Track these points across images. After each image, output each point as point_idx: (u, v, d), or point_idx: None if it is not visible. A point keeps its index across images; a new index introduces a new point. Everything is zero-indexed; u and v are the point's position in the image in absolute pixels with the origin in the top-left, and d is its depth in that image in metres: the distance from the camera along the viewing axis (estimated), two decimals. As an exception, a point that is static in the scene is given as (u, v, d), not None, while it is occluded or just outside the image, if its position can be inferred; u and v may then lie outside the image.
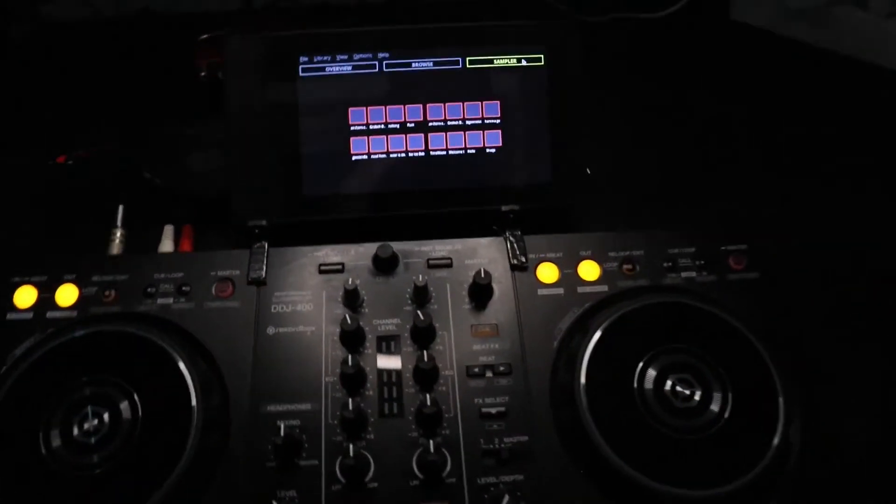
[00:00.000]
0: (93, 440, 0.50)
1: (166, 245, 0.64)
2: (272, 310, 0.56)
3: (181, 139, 0.69)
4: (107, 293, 0.57)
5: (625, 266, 0.58)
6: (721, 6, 0.87)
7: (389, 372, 0.53)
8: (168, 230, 0.65)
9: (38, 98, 0.75)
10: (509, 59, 0.60)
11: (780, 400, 0.50)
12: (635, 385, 0.52)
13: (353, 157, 0.60)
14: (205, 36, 0.73)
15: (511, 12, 0.84)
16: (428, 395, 0.51)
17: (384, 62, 0.60)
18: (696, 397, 0.51)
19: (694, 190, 0.71)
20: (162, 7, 0.82)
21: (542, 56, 0.61)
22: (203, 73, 0.71)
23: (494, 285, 0.56)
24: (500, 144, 0.60)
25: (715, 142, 0.75)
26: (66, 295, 0.57)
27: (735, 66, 0.83)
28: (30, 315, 0.56)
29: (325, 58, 0.59)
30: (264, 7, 0.81)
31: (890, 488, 0.53)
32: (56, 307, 0.56)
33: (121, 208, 0.65)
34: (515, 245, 0.58)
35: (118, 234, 0.64)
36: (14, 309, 0.56)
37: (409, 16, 0.84)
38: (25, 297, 0.56)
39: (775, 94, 0.81)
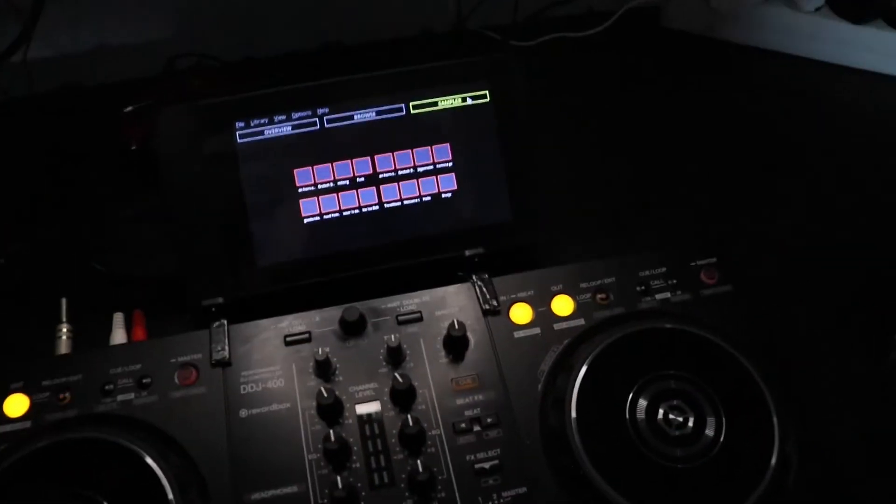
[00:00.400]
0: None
1: (118, 335, 0.61)
2: (241, 391, 0.53)
3: (119, 219, 0.66)
4: (61, 396, 0.53)
5: (598, 296, 0.57)
6: (651, 17, 0.87)
7: (375, 440, 0.51)
8: (118, 319, 0.62)
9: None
10: (454, 98, 0.59)
11: (774, 417, 0.50)
12: (627, 418, 0.50)
13: (305, 220, 0.58)
14: (130, 107, 0.70)
15: (440, 46, 0.84)
16: (418, 461, 0.49)
17: (325, 118, 0.58)
18: (690, 423, 0.50)
19: (655, 204, 0.71)
20: (81, 80, 0.79)
21: (486, 92, 0.60)
22: (133, 147, 0.68)
23: (469, 334, 0.55)
24: (455, 188, 0.59)
25: (669, 153, 0.75)
26: (16, 405, 0.53)
27: (674, 73, 0.83)
28: None
29: (262, 120, 0.57)
30: (189, 69, 0.78)
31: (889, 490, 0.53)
32: (6, 419, 0.52)
33: (64, 302, 0.61)
34: (484, 289, 0.57)
35: (64, 330, 0.60)
36: None
37: (341, 62, 0.82)
38: None
39: (717, 96, 0.82)
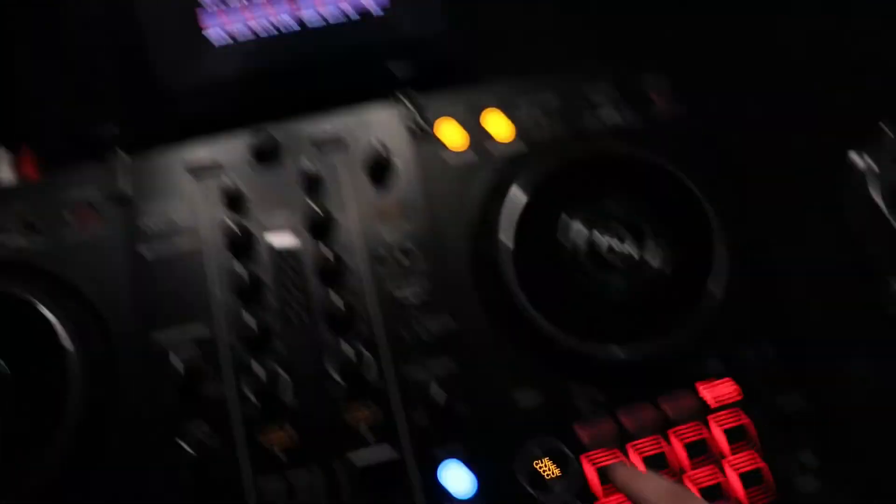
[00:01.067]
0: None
1: (4, 173, 0.55)
2: (143, 227, 0.48)
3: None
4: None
5: (538, 116, 0.52)
6: None
7: (291, 276, 0.47)
8: (4, 157, 0.55)
9: None
10: None
11: (716, 246, 0.47)
12: (566, 245, 0.47)
13: (214, 42, 0.51)
14: None
15: None
16: (337, 294, 0.46)
17: None
18: (631, 251, 0.47)
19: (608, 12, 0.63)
20: None
21: None
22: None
23: (394, 158, 0.50)
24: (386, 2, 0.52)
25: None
26: None
27: None
28: None
29: None
30: None
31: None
32: None
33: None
34: (411, 105, 0.51)
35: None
36: None
37: None
38: None
39: None
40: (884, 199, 0.53)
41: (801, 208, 0.54)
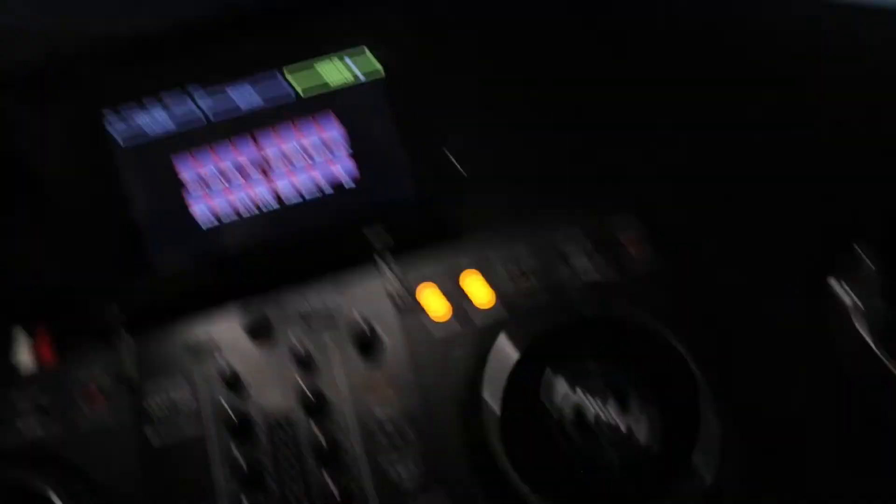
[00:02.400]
0: None
1: (22, 355, 0.58)
2: (150, 409, 0.51)
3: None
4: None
5: (518, 278, 0.54)
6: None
7: (289, 459, 0.50)
8: (20, 335, 0.59)
9: None
10: (338, 72, 0.53)
11: (702, 405, 0.49)
12: (554, 419, 0.49)
13: (202, 225, 0.54)
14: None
15: None
16: (332, 476, 0.49)
17: (211, 113, 0.52)
18: (620, 424, 0.49)
19: (583, 170, 0.65)
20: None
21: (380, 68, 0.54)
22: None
23: (381, 332, 0.53)
24: (358, 175, 0.55)
25: (598, 104, 0.68)
26: None
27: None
28: None
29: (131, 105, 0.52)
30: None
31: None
32: None
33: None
34: (390, 273, 0.54)
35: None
36: None
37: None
38: None
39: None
40: (872, 335, 0.54)
41: (789, 354, 0.55)
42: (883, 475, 0.52)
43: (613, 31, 0.68)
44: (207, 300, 0.55)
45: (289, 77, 0.53)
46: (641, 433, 0.48)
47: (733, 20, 0.63)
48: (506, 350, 0.50)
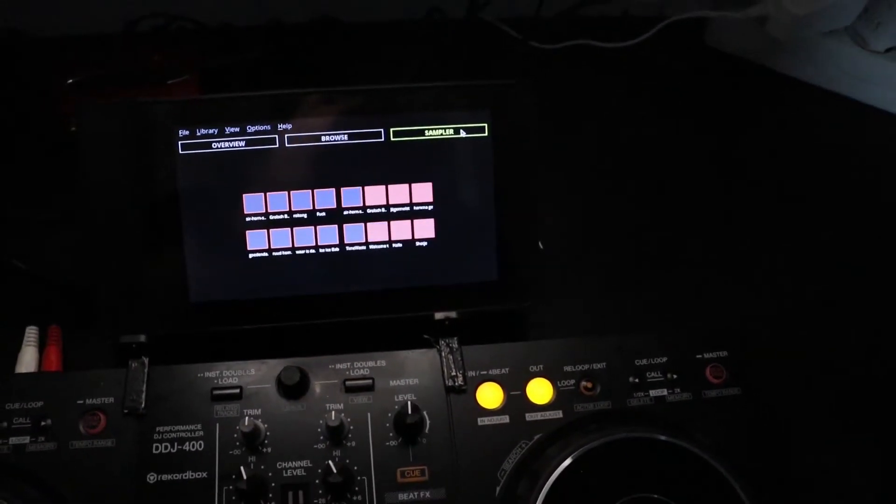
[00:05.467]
0: None
1: (28, 354, 0.55)
2: (153, 450, 0.48)
3: (40, 221, 0.60)
4: (-58, 432, 0.48)
5: (583, 383, 0.51)
6: (695, 33, 0.79)
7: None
8: (31, 334, 0.56)
9: None
10: (444, 129, 0.52)
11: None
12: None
13: (251, 255, 0.51)
14: (73, 79, 0.62)
15: (448, 35, 0.76)
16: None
17: (286, 135, 0.51)
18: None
19: (668, 265, 0.64)
20: (21, 25, 0.71)
21: (485, 125, 0.52)
22: (73, 129, 0.60)
23: (426, 412, 0.49)
24: (434, 236, 0.52)
25: (695, 203, 0.68)
26: None
27: (713, 104, 0.76)
28: None
29: (211, 130, 0.50)
30: (153, 31, 0.71)
31: None
32: None
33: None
34: (451, 360, 0.51)
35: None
36: None
37: (334, 40, 0.74)
38: None
39: (761, 138, 0.74)
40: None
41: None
42: None
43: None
44: (241, 341, 0.52)
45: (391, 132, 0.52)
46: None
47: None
48: (552, 461, 0.47)
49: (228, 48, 0.69)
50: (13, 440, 0.48)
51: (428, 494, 0.47)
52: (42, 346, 0.57)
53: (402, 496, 0.47)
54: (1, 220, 0.61)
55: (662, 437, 0.48)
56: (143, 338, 0.51)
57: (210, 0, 0.73)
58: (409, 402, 0.48)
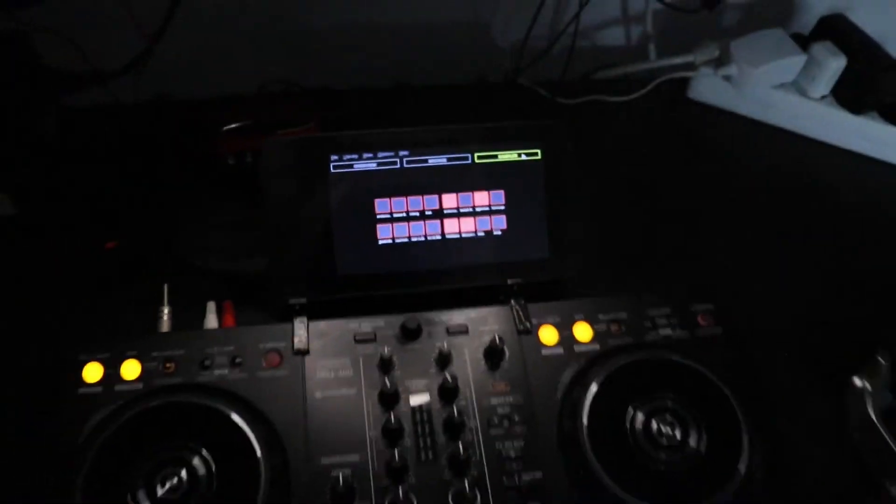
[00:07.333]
0: (176, 497, 0.62)
1: (211, 320, 0.77)
2: (318, 376, 0.70)
3: (214, 224, 0.83)
4: (167, 366, 0.69)
5: (612, 327, 0.74)
6: (680, 89, 1.06)
7: (424, 425, 0.67)
8: (211, 306, 0.78)
9: (72, 185, 0.88)
10: (511, 154, 0.76)
11: (745, 436, 0.67)
12: (627, 427, 0.67)
13: (380, 242, 0.75)
14: (229, 126, 0.87)
15: (493, 96, 1.01)
16: (458, 444, 0.66)
17: (404, 159, 0.75)
18: (677, 435, 0.67)
19: (669, 255, 0.89)
20: (179, 93, 0.96)
21: (538, 151, 0.77)
22: (231, 162, 0.85)
23: (505, 348, 0.71)
24: (506, 227, 0.76)
25: (686, 211, 0.93)
26: (131, 369, 0.68)
27: (695, 141, 1.02)
28: (99, 389, 0.67)
29: (353, 156, 0.74)
30: (281, 92, 0.95)
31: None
32: (122, 381, 0.68)
33: (166, 287, 0.78)
34: (521, 313, 0.74)
35: (165, 312, 0.77)
36: (84, 384, 0.67)
37: (406, 100, 1.00)
38: (93, 372, 0.68)
39: (732, 166, 1.00)
40: (876, 416, 0.72)
41: (814, 414, 0.74)
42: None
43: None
44: (375, 305, 0.74)
45: (475, 156, 0.77)
46: (694, 444, 0.66)
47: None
48: (597, 378, 0.69)
49: (333, 104, 0.94)
50: (216, 372, 0.69)
51: (511, 399, 0.69)
52: (220, 317, 0.79)
53: (494, 400, 0.69)
54: (183, 229, 0.84)
55: (672, 358, 0.71)
56: (304, 300, 0.74)
57: (314, 69, 0.98)
58: (496, 336, 0.71)
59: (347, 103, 0.95)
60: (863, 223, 0.94)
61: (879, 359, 0.76)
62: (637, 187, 0.95)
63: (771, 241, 0.91)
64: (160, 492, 0.62)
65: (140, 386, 0.68)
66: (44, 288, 0.81)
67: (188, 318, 0.78)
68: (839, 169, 1.01)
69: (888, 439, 0.71)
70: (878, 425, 0.72)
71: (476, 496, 0.64)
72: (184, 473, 0.63)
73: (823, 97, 1.01)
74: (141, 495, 0.61)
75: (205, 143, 0.87)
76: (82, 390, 0.67)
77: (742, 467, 0.65)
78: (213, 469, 0.63)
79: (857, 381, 0.75)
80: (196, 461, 0.63)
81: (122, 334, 0.72)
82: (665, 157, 0.99)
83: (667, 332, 0.74)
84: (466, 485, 0.64)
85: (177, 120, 0.93)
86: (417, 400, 0.69)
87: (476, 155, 0.76)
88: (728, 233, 0.92)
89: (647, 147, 1.00)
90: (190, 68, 0.94)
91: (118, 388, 0.68)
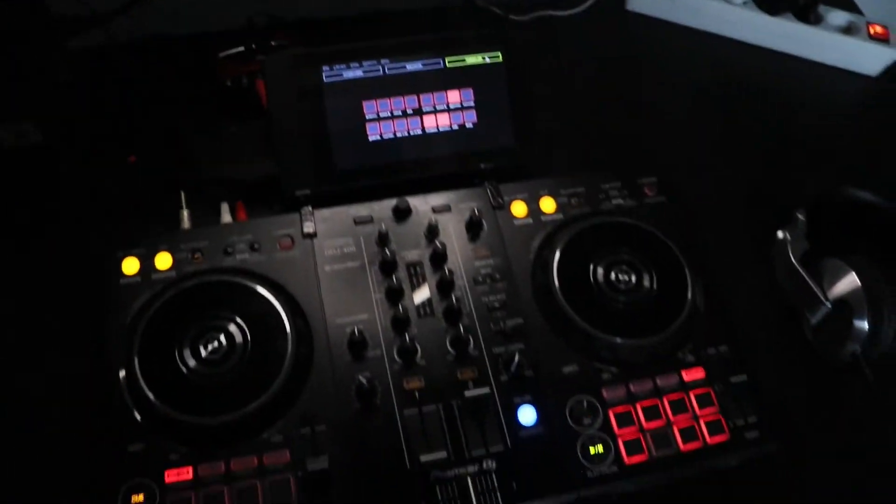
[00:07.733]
0: (218, 357, 0.74)
1: (226, 218, 0.89)
2: (325, 254, 0.82)
3: (222, 136, 0.94)
4: (195, 256, 0.80)
5: (573, 199, 0.87)
6: (619, 2, 1.19)
7: (419, 285, 0.80)
8: (225, 207, 0.89)
9: (92, 111, 0.99)
10: (477, 57, 0.89)
11: (688, 274, 0.81)
12: (591, 278, 0.81)
13: (370, 139, 0.87)
14: (226, 52, 0.97)
15: (454, 18, 1.13)
16: (452, 298, 0.79)
17: (386, 66, 0.87)
18: (633, 280, 0.81)
19: (617, 139, 1.03)
20: (171, 31, 1.05)
21: (499, 54, 0.89)
22: (228, 84, 0.95)
23: (483, 221, 0.84)
24: (476, 121, 0.89)
25: (628, 105, 1.07)
26: (164, 260, 0.79)
27: (634, 47, 1.15)
28: (138, 279, 0.78)
29: (342, 66, 0.86)
30: (266, 25, 1.06)
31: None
32: (157, 271, 0.79)
33: (183, 193, 0.89)
34: (494, 191, 0.86)
35: (185, 214, 0.88)
36: (124, 276, 0.78)
37: (385, 24, 1.10)
38: (131, 266, 0.79)
39: (668, 67, 1.13)
40: (796, 259, 0.87)
41: (746, 261, 0.89)
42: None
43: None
44: (369, 193, 0.86)
45: (446, 61, 0.89)
46: (648, 285, 0.80)
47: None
48: (562, 239, 0.83)
49: (312, 32, 1.05)
50: (239, 257, 0.80)
51: (491, 261, 0.82)
52: (233, 215, 0.90)
53: (477, 263, 0.82)
54: (194, 141, 0.95)
55: (624, 220, 0.85)
56: (308, 191, 0.86)
57: (292, 3, 1.08)
58: (475, 210, 0.84)
59: (325, 31, 1.05)
60: (781, 108, 1.09)
61: (798, 215, 0.90)
62: (588, 87, 1.09)
63: (706, 125, 1.05)
64: (204, 353, 0.74)
65: (174, 274, 0.79)
66: (76, 202, 0.92)
67: (204, 219, 0.89)
68: (761, 65, 1.15)
69: (806, 277, 0.85)
70: (798, 267, 0.86)
71: (469, 339, 0.77)
72: (222, 337, 0.75)
73: (745, 2, 1.14)
74: (187, 355, 0.73)
75: (204, 70, 0.97)
76: (124, 281, 0.78)
77: (689, 296, 0.79)
78: (247, 333, 0.75)
79: (780, 234, 0.90)
80: (232, 327, 0.75)
81: (152, 234, 0.83)
82: (609, 62, 1.12)
83: (618, 201, 0.88)
84: (462, 329, 0.77)
85: (176, 52, 1.02)
86: (412, 262, 0.81)
87: (447, 59, 0.88)
88: (667, 121, 1.06)
89: (592, 54, 1.13)
90: (182, 9, 1.03)
91: (154, 276, 0.79)
